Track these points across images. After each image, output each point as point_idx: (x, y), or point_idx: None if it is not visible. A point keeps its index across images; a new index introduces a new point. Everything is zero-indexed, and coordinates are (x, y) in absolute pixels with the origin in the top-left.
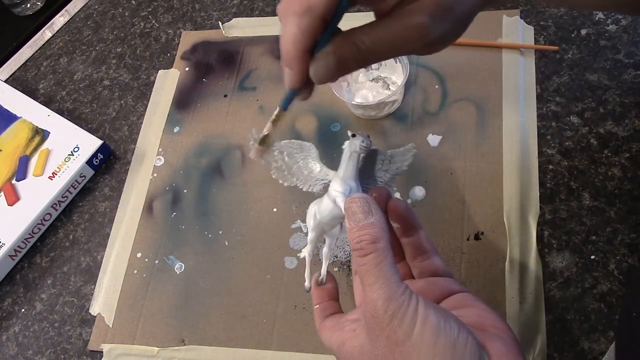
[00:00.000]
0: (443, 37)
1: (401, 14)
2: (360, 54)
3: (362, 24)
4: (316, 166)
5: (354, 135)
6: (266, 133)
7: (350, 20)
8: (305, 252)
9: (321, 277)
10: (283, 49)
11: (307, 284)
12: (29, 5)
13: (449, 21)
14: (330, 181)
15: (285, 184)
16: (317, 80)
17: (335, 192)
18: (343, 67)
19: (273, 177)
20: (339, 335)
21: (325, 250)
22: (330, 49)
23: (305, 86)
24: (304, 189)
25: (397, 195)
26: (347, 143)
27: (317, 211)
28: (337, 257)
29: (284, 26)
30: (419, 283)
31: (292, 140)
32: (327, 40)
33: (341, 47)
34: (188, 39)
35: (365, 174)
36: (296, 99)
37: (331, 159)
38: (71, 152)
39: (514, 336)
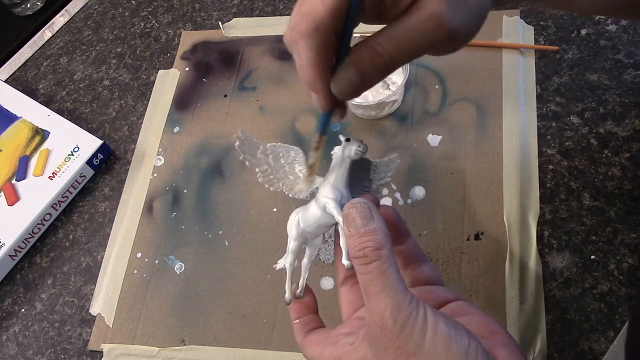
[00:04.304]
0: (461, 28)
1: (414, 10)
2: (380, 58)
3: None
4: (303, 172)
5: (348, 140)
6: (312, 162)
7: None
8: (283, 263)
9: (299, 289)
10: (302, 74)
11: (287, 296)
12: (29, 5)
13: (463, 9)
14: (317, 187)
15: (271, 189)
16: (340, 96)
17: (326, 198)
18: (365, 77)
19: (259, 180)
20: (333, 350)
21: (305, 261)
22: (349, 60)
23: (336, 106)
24: (290, 195)
25: (398, 195)
26: (337, 149)
27: (301, 219)
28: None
29: (296, 53)
30: (414, 292)
31: (278, 144)
32: (345, 53)
33: (359, 56)
34: (188, 39)
35: (352, 181)
36: (331, 120)
37: (331, 159)
38: (71, 152)
39: (516, 342)
